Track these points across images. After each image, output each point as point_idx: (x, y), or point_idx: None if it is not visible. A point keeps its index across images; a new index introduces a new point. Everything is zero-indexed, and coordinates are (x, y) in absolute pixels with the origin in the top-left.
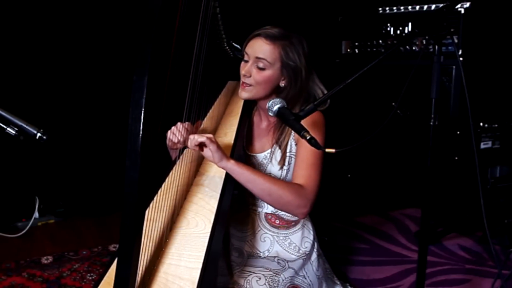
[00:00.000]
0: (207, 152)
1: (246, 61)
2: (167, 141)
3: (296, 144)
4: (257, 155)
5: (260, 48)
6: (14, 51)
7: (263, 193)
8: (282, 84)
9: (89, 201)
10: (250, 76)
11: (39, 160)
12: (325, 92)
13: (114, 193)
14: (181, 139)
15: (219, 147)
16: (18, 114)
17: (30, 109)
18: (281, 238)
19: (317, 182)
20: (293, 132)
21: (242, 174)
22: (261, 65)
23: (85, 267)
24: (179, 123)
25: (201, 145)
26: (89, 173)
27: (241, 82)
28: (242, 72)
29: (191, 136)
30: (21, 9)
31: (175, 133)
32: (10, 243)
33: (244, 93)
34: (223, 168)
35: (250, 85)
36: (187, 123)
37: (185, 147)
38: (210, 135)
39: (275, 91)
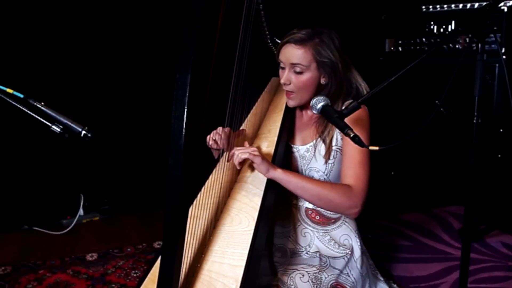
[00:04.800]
0: (254, 165)
1: (283, 68)
2: (207, 142)
3: (342, 138)
4: (300, 147)
5: (292, 54)
6: (58, 50)
7: (313, 198)
8: (322, 81)
9: (133, 198)
10: (290, 84)
11: (84, 158)
12: (364, 84)
13: (159, 190)
14: (221, 144)
15: (263, 158)
16: (63, 112)
17: (75, 107)
18: (321, 233)
19: (366, 180)
20: None
21: (290, 182)
22: (298, 69)
23: (130, 264)
24: (219, 128)
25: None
26: (133, 170)
27: (285, 91)
28: (282, 80)
29: (234, 153)
30: (67, 11)
31: (215, 138)
32: (55, 240)
33: (291, 101)
34: (270, 178)
35: (293, 92)
36: (227, 128)
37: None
38: (253, 148)
39: (318, 90)
